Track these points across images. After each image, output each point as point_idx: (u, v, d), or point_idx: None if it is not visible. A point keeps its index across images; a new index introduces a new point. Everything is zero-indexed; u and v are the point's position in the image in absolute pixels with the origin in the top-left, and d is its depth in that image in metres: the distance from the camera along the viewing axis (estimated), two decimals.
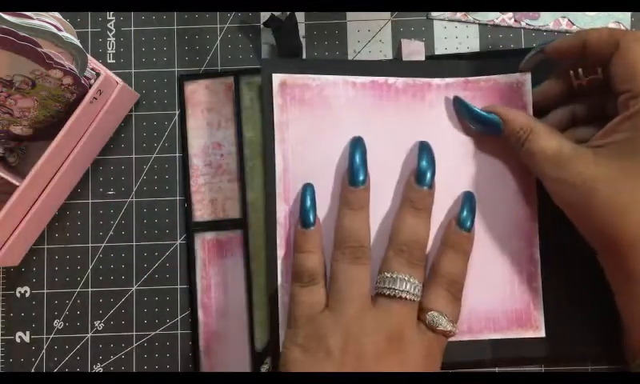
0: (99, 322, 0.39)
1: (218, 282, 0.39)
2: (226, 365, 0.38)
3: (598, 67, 0.33)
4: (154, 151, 0.40)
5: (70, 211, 0.40)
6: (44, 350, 0.39)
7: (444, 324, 0.31)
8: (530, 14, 0.40)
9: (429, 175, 0.33)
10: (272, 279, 0.35)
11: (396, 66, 0.37)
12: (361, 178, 0.33)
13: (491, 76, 0.36)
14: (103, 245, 0.40)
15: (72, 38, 0.32)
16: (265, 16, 0.40)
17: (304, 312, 0.32)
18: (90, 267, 0.40)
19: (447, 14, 0.40)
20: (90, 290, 0.39)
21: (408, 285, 0.31)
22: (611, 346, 0.35)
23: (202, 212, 0.39)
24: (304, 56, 0.40)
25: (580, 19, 0.40)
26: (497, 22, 0.40)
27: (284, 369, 0.31)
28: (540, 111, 0.36)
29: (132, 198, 0.40)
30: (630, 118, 0.29)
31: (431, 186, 0.33)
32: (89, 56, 0.35)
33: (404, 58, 0.38)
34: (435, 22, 0.41)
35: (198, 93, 0.40)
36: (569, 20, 0.40)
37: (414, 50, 0.38)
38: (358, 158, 0.33)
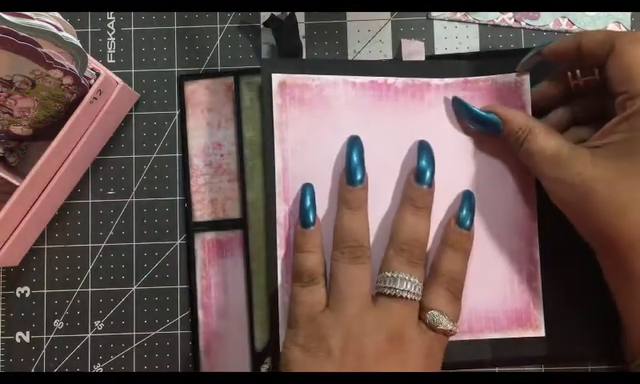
0: (99, 321, 0.39)
1: (217, 282, 0.39)
2: (225, 365, 0.38)
3: (594, 69, 0.33)
4: (154, 151, 0.40)
5: (69, 211, 0.40)
6: (44, 350, 0.39)
7: (444, 323, 0.31)
8: (530, 13, 0.40)
9: (428, 174, 0.33)
10: (272, 279, 0.35)
11: (396, 66, 0.37)
12: (358, 177, 0.33)
13: (490, 76, 0.36)
14: (103, 245, 0.40)
15: (72, 38, 0.32)
16: (265, 16, 0.40)
17: (304, 312, 0.32)
18: (90, 267, 0.40)
19: (447, 14, 0.40)
20: (90, 289, 0.39)
21: (408, 284, 0.31)
22: (611, 345, 0.35)
23: (202, 212, 0.39)
24: (304, 56, 0.40)
25: (580, 19, 0.40)
26: (497, 22, 0.40)
27: (285, 369, 0.31)
28: (538, 112, 0.36)
29: (132, 198, 0.40)
30: (628, 118, 0.29)
31: (431, 184, 0.33)
32: (89, 56, 0.35)
33: (404, 58, 0.38)
34: (435, 21, 0.41)
35: (197, 93, 0.40)
36: (569, 20, 0.40)
37: (413, 50, 0.38)
38: (355, 158, 0.33)
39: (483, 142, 0.36)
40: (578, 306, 0.36)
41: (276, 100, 0.36)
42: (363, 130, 0.35)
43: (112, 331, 0.39)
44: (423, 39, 0.40)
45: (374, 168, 0.34)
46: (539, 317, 0.36)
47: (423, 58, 0.38)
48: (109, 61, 0.41)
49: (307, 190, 0.34)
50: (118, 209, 0.40)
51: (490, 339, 0.36)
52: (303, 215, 0.34)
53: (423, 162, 0.33)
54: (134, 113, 0.41)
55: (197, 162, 0.40)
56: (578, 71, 0.34)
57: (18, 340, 0.39)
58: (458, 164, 0.36)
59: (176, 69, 0.41)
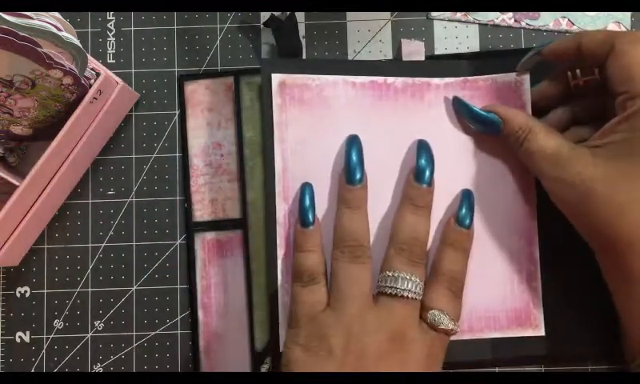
0: (99, 322, 0.39)
1: (217, 282, 0.39)
2: (225, 365, 0.38)
3: (594, 68, 0.33)
4: (154, 151, 0.40)
5: (70, 211, 0.40)
6: (44, 350, 0.39)
7: (446, 322, 0.31)
8: (530, 13, 0.40)
9: (428, 173, 0.33)
10: (272, 279, 0.35)
11: (395, 66, 0.37)
12: (357, 176, 0.33)
13: (490, 75, 0.36)
14: (103, 245, 0.40)
15: (72, 38, 0.32)
16: (265, 16, 0.40)
17: (305, 311, 0.32)
18: (90, 267, 0.40)
19: (447, 14, 0.40)
20: (90, 289, 0.39)
21: (409, 283, 0.31)
22: (611, 345, 0.35)
23: (201, 212, 0.39)
24: (304, 56, 0.40)
25: (580, 19, 0.40)
26: (497, 22, 0.40)
27: (286, 368, 0.31)
28: (538, 111, 0.36)
29: (132, 198, 0.40)
30: (628, 119, 0.29)
31: (430, 183, 0.33)
32: (89, 56, 0.35)
33: (404, 58, 0.38)
34: (435, 21, 0.41)
35: (197, 93, 0.40)
36: (569, 20, 0.40)
37: (414, 50, 0.38)
38: (354, 157, 0.34)
39: (483, 141, 0.36)
40: (578, 306, 0.36)
41: (276, 100, 0.36)
42: (363, 129, 0.35)
43: (112, 331, 0.39)
44: (423, 39, 0.40)
45: (374, 168, 0.34)
46: (539, 316, 0.36)
47: (423, 58, 0.38)
48: (109, 61, 0.41)
49: (306, 189, 0.35)
50: (118, 209, 0.40)
51: (490, 338, 0.36)
52: (303, 215, 0.34)
53: (422, 161, 0.33)
54: (134, 113, 0.41)
55: (197, 162, 0.40)
56: (578, 71, 0.34)
57: (17, 340, 0.39)
58: (457, 163, 0.36)
59: (176, 69, 0.41)
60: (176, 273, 0.39)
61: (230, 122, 0.40)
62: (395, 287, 0.31)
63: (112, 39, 0.41)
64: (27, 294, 0.39)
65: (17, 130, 0.36)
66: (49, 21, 0.31)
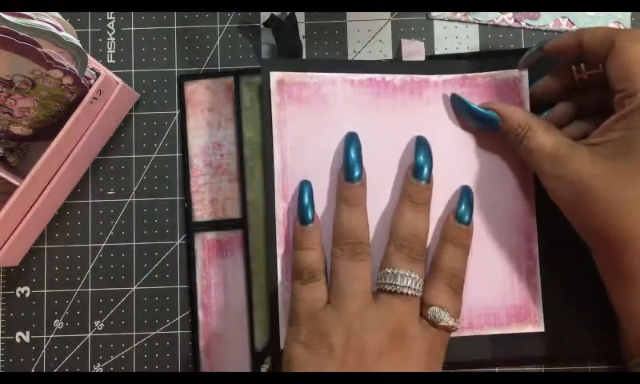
0: (99, 322, 0.39)
1: (217, 282, 0.39)
2: (225, 365, 0.38)
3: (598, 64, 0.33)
4: (154, 151, 0.40)
5: (70, 211, 0.40)
6: (44, 350, 0.39)
7: (446, 319, 0.31)
8: (530, 14, 0.40)
9: (426, 169, 0.33)
10: (272, 277, 0.35)
11: (394, 66, 0.37)
12: (356, 173, 0.33)
13: (488, 72, 0.36)
14: (103, 245, 0.40)
15: (72, 38, 0.32)
16: (265, 16, 0.40)
17: (305, 309, 0.32)
18: (90, 267, 0.40)
19: (447, 14, 0.40)
20: (90, 289, 0.39)
21: (409, 280, 0.31)
22: (611, 345, 0.35)
23: (201, 212, 0.39)
24: (304, 56, 0.40)
25: (580, 19, 0.40)
26: (497, 22, 0.40)
27: (287, 366, 0.31)
28: (541, 106, 0.36)
29: (132, 198, 0.40)
30: (625, 117, 0.29)
31: (429, 180, 0.33)
32: (89, 56, 0.35)
33: (404, 58, 0.38)
34: (435, 21, 0.41)
35: (197, 93, 0.40)
36: (569, 20, 0.40)
37: (414, 50, 0.38)
38: (353, 154, 0.34)
39: (482, 138, 0.36)
40: (577, 303, 0.36)
41: (274, 98, 0.36)
42: (362, 127, 0.35)
43: (112, 331, 0.39)
44: (423, 39, 0.40)
45: (373, 165, 0.35)
46: (538, 312, 0.36)
47: (423, 58, 0.38)
48: (109, 61, 0.41)
49: (305, 187, 0.35)
50: (118, 209, 0.40)
51: (490, 335, 0.36)
52: (302, 212, 0.34)
53: (421, 158, 0.33)
54: (133, 113, 0.41)
55: (197, 162, 0.40)
56: (582, 65, 0.34)
57: (17, 340, 0.39)
58: (456, 160, 0.36)
59: (176, 69, 0.41)
60: (176, 273, 0.39)
61: (230, 122, 0.40)
62: (395, 284, 0.31)
63: (112, 39, 0.41)
64: (27, 294, 0.39)
65: (17, 129, 0.36)
66: (49, 21, 0.31)
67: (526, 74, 0.36)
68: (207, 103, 0.40)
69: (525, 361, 0.37)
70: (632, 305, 0.30)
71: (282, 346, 0.34)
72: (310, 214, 0.34)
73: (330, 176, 0.35)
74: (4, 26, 0.29)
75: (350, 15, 0.41)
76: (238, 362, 0.38)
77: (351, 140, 0.34)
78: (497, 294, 0.36)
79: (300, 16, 0.40)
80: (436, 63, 0.38)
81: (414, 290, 0.31)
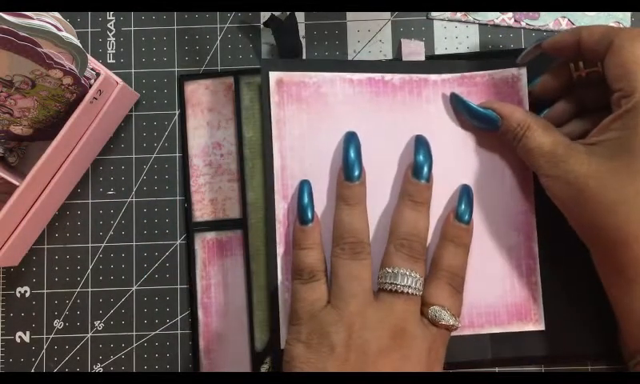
0: (99, 322, 0.39)
1: (217, 282, 0.39)
2: (225, 365, 0.38)
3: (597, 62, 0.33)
4: (154, 151, 0.40)
5: (70, 211, 0.40)
6: (44, 350, 0.39)
7: (446, 318, 0.31)
8: (530, 14, 0.40)
9: (426, 169, 0.33)
10: (272, 277, 0.35)
11: (393, 66, 0.37)
12: (356, 173, 0.33)
13: (487, 71, 0.36)
14: (103, 245, 0.40)
15: (72, 37, 0.32)
16: (265, 16, 0.40)
17: (306, 308, 0.32)
18: (90, 267, 0.40)
19: (447, 14, 0.40)
20: (90, 289, 0.39)
21: (409, 279, 0.31)
22: (611, 344, 0.35)
23: (201, 212, 0.39)
24: (304, 56, 0.40)
25: (580, 19, 0.40)
26: (497, 22, 0.40)
27: (288, 365, 0.31)
28: (540, 104, 0.36)
29: (132, 198, 0.40)
30: (622, 116, 0.29)
31: (428, 179, 0.33)
32: (89, 56, 0.35)
33: (404, 58, 0.38)
34: (435, 21, 0.41)
35: (197, 93, 0.40)
36: (569, 20, 0.40)
37: (414, 50, 0.38)
38: (352, 154, 0.34)
39: (481, 137, 0.36)
40: (578, 301, 0.36)
41: (273, 98, 0.36)
42: (361, 126, 0.35)
43: (112, 331, 0.39)
44: (423, 39, 0.40)
45: (373, 164, 0.35)
46: (539, 311, 0.36)
47: (423, 58, 0.38)
48: (109, 61, 0.41)
49: (304, 186, 0.35)
50: (118, 209, 0.40)
51: (490, 334, 0.36)
52: (301, 212, 0.34)
53: (420, 157, 0.34)
54: (134, 113, 0.41)
55: (197, 161, 0.40)
56: (580, 63, 0.34)
57: (18, 340, 0.39)
58: (456, 159, 0.36)
59: (176, 69, 0.41)
60: (176, 273, 0.39)
61: (230, 122, 0.40)
62: (395, 283, 0.31)
63: (112, 39, 0.41)
64: (27, 294, 0.39)
65: (17, 130, 0.36)
66: (49, 21, 0.31)
67: (524, 72, 0.36)
68: (207, 103, 0.40)
69: (525, 360, 0.37)
70: (629, 304, 0.30)
71: (282, 345, 0.34)
72: (309, 214, 0.34)
73: (330, 175, 0.35)
74: (4, 26, 0.29)
75: (350, 15, 0.41)
76: (238, 362, 0.38)
77: (350, 139, 0.34)
78: (497, 292, 0.36)
79: (300, 16, 0.40)
80: (435, 63, 0.38)
81: (415, 289, 0.31)
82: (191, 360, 0.39)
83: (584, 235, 0.32)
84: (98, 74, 0.36)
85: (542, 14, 0.40)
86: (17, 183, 0.35)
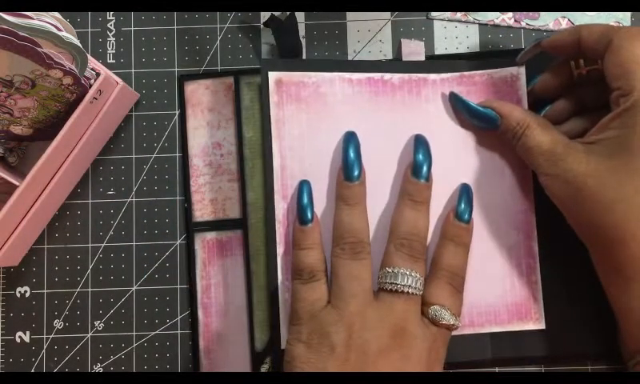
0: (99, 322, 0.39)
1: (217, 282, 0.39)
2: (225, 365, 0.38)
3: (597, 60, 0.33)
4: (154, 151, 0.40)
5: (70, 211, 0.40)
6: (44, 350, 0.39)
7: (447, 318, 0.31)
8: (530, 14, 0.40)
9: (425, 168, 0.33)
10: (272, 277, 0.35)
11: (393, 65, 0.37)
12: (355, 173, 0.33)
13: (486, 70, 0.36)
14: (103, 245, 0.40)
15: (72, 37, 0.32)
16: (265, 16, 0.40)
17: (306, 309, 0.32)
18: (90, 267, 0.40)
19: (447, 14, 0.40)
20: (90, 289, 0.39)
21: (409, 279, 0.31)
22: (611, 343, 0.35)
23: (201, 212, 0.39)
24: (304, 56, 0.40)
25: (580, 19, 0.40)
26: (497, 22, 0.40)
27: (289, 365, 0.31)
28: (540, 102, 0.36)
29: (132, 198, 0.40)
30: (620, 115, 0.30)
31: (428, 178, 0.33)
32: (89, 56, 0.35)
33: (404, 58, 0.38)
34: (435, 21, 0.41)
35: (197, 93, 0.40)
36: (569, 20, 0.40)
37: (414, 50, 0.38)
38: (351, 153, 0.34)
39: (480, 136, 0.36)
40: (578, 300, 0.36)
41: (273, 98, 0.36)
42: (360, 126, 0.35)
43: (112, 331, 0.39)
44: (423, 39, 0.40)
45: (372, 164, 0.35)
46: (539, 310, 0.36)
47: (423, 58, 0.38)
48: (109, 61, 0.41)
49: (304, 186, 0.35)
50: (118, 209, 0.40)
51: (490, 333, 0.36)
52: (301, 212, 0.34)
53: (420, 156, 0.34)
54: (134, 113, 0.41)
55: (197, 161, 0.40)
56: (581, 61, 0.34)
57: (18, 340, 0.39)
58: (455, 158, 0.36)
59: (176, 69, 0.41)
60: (176, 273, 0.39)
61: (230, 122, 0.40)
62: (395, 283, 0.31)
63: (112, 39, 0.41)
64: (27, 294, 0.39)
65: (17, 130, 0.36)
66: (49, 21, 0.31)
67: (523, 70, 0.36)
68: (207, 103, 0.40)
69: (525, 360, 0.37)
70: (627, 303, 0.30)
71: (282, 345, 0.34)
72: (309, 214, 0.34)
73: (330, 175, 0.35)
74: (4, 26, 0.29)
75: (350, 15, 0.41)
76: (238, 362, 0.38)
77: (350, 139, 0.34)
78: (497, 291, 0.36)
79: (300, 16, 0.40)
80: (435, 62, 0.38)
81: (415, 288, 0.31)
82: (191, 360, 0.39)
83: (582, 234, 0.32)
84: (98, 74, 0.36)
85: (542, 14, 0.40)
86: (17, 183, 0.35)
